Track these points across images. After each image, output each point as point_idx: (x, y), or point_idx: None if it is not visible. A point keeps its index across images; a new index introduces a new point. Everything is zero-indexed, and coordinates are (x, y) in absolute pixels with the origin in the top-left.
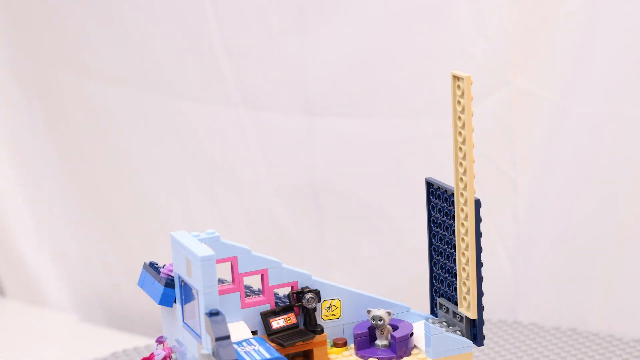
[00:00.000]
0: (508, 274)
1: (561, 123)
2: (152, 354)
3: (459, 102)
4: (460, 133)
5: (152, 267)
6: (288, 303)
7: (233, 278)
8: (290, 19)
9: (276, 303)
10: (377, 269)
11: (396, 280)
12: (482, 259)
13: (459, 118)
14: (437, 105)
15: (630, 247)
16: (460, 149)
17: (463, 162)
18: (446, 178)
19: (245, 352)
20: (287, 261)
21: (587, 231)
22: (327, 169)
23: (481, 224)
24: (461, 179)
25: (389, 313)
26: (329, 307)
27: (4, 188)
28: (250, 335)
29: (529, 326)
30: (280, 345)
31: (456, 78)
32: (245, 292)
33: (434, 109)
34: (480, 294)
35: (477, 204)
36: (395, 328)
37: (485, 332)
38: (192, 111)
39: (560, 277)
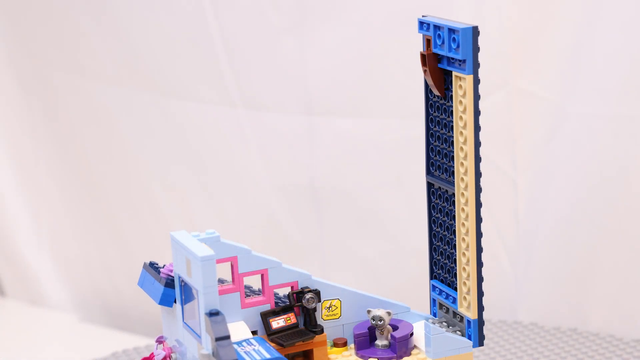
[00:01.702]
0: (508, 274)
1: (561, 123)
2: (152, 353)
3: (460, 102)
4: (461, 133)
5: (152, 267)
6: (288, 303)
7: (233, 278)
8: (290, 19)
9: (276, 303)
10: (377, 269)
11: (396, 280)
12: (482, 259)
13: (461, 118)
14: None
15: (631, 247)
16: (462, 149)
17: (464, 162)
18: None
19: (245, 352)
20: (287, 261)
21: (588, 231)
22: (327, 169)
23: (481, 224)
24: (462, 179)
25: (389, 313)
26: (329, 307)
27: (4, 188)
28: (250, 335)
29: (529, 326)
30: (280, 345)
31: (458, 78)
32: (245, 292)
33: None
34: (480, 294)
35: (478, 204)
36: (395, 328)
37: (485, 332)
38: (192, 111)
39: (561, 277)
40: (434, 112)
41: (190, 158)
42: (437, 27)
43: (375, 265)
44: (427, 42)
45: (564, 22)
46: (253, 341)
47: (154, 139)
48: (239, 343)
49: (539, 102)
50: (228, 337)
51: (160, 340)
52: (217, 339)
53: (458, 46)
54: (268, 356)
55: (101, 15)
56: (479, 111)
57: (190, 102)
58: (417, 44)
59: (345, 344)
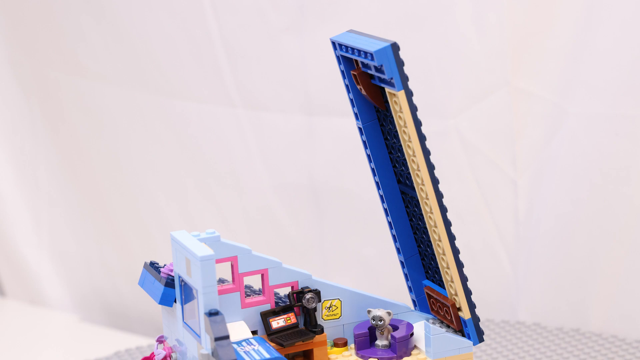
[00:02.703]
0: (509, 274)
1: (561, 123)
2: (153, 353)
3: (399, 117)
4: (409, 146)
5: (153, 266)
6: (288, 303)
7: (233, 278)
8: (290, 19)
9: (276, 303)
10: (377, 269)
11: (396, 280)
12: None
13: (404, 132)
14: (437, 105)
15: (632, 247)
16: (413, 160)
17: (419, 173)
18: (446, 177)
19: (245, 352)
20: (287, 261)
21: (588, 231)
22: (327, 168)
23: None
24: (422, 189)
25: (389, 313)
26: (329, 307)
27: (4, 188)
28: (250, 335)
29: (532, 326)
30: (280, 345)
31: (392, 94)
32: (246, 292)
33: (434, 109)
34: (468, 293)
35: (443, 210)
36: (395, 328)
37: (487, 332)
38: (192, 111)
39: (563, 277)
40: (382, 123)
41: (190, 158)
42: (357, 50)
43: (375, 265)
44: (356, 61)
45: (564, 22)
46: (253, 341)
47: (153, 138)
48: (239, 343)
49: (539, 102)
50: (227, 337)
51: (160, 340)
52: (217, 339)
53: (382, 66)
54: (268, 356)
55: (101, 16)
56: (420, 122)
57: (190, 102)
58: (416, 44)
59: (345, 344)
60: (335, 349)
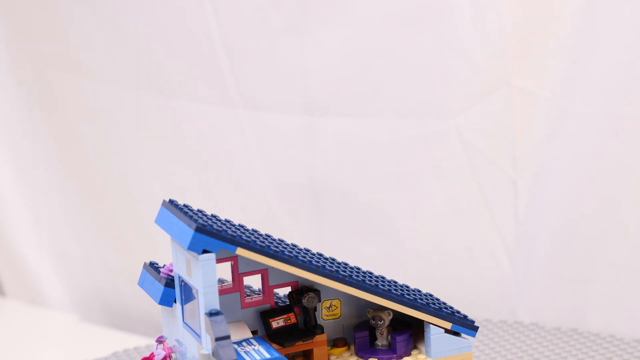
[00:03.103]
0: (508, 274)
1: (561, 123)
2: (152, 353)
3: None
4: None
5: (152, 267)
6: (288, 303)
7: (233, 278)
8: (290, 19)
9: (276, 303)
10: (377, 269)
11: (396, 280)
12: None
13: None
14: (437, 105)
15: (631, 247)
16: None
17: None
18: (446, 177)
19: (245, 352)
20: None
21: (588, 231)
22: (327, 168)
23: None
24: None
25: (389, 313)
26: (329, 307)
27: (4, 188)
28: (250, 335)
29: (530, 326)
30: (280, 345)
31: None
32: (245, 292)
33: (434, 109)
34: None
35: None
36: (395, 328)
37: (486, 332)
38: (192, 111)
39: (561, 277)
40: None
41: (190, 158)
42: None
43: (375, 265)
44: None
45: (564, 22)
46: (253, 341)
47: (154, 138)
48: (239, 343)
49: (539, 102)
50: (228, 337)
51: (160, 340)
52: (217, 339)
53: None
54: (268, 356)
55: (101, 16)
56: None
57: (190, 102)
58: (417, 44)
59: (345, 344)
60: (335, 349)
